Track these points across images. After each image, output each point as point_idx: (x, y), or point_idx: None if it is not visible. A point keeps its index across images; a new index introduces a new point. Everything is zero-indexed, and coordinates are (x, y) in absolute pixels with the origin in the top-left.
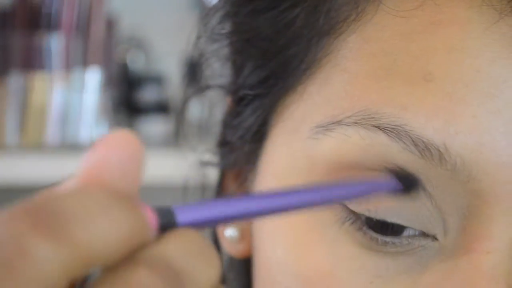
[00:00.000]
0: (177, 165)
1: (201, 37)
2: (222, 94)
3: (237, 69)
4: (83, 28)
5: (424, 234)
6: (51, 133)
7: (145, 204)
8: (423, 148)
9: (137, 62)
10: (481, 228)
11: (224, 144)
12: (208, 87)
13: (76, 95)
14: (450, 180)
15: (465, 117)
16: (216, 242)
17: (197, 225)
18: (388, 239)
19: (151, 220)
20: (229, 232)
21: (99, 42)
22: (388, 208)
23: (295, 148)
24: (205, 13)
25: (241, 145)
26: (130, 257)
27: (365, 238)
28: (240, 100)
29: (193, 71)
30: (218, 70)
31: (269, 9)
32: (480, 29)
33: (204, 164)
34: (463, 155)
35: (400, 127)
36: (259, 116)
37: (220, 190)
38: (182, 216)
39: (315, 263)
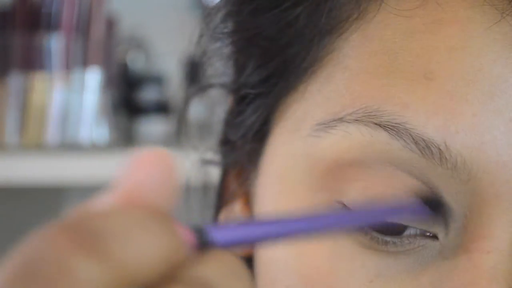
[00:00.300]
0: (177, 165)
1: (203, 36)
2: (224, 93)
3: (239, 68)
4: (83, 28)
5: (425, 234)
6: (51, 133)
7: (180, 222)
8: (424, 146)
9: (137, 62)
10: (481, 228)
11: (225, 143)
12: (210, 86)
13: (76, 95)
14: (450, 179)
15: (465, 115)
16: None
17: (229, 245)
18: (388, 238)
19: (188, 238)
20: None
21: (99, 42)
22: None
23: (295, 147)
24: (208, 12)
25: (242, 144)
26: (169, 276)
27: (365, 238)
28: (241, 99)
29: (194, 71)
30: (220, 69)
31: (271, 8)
32: (482, 29)
33: (206, 162)
34: (464, 154)
35: (401, 125)
36: (260, 115)
37: (222, 189)
38: (215, 235)
39: (315, 262)
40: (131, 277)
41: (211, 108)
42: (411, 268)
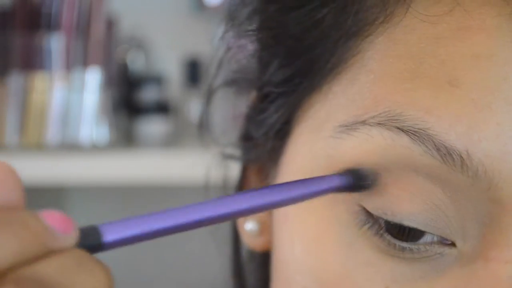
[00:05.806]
0: (177, 165)
1: (228, 32)
2: (244, 89)
3: (263, 65)
4: (83, 28)
5: (442, 242)
6: (51, 133)
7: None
8: (445, 153)
9: (137, 62)
10: (500, 237)
11: (247, 139)
12: (234, 81)
13: (76, 95)
14: (471, 187)
15: (489, 124)
16: (235, 235)
17: (124, 243)
18: (405, 245)
19: (63, 228)
20: (249, 226)
21: (99, 42)
22: (406, 212)
23: (316, 147)
24: (234, 8)
25: (264, 142)
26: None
27: (382, 243)
28: (265, 96)
29: (194, 70)
30: (243, 65)
31: (298, 7)
32: (509, 37)
33: (227, 157)
34: (485, 163)
35: (423, 130)
36: (283, 114)
37: (241, 185)
38: (109, 234)
39: (332, 265)
40: None
41: (210, 108)
42: (428, 275)
